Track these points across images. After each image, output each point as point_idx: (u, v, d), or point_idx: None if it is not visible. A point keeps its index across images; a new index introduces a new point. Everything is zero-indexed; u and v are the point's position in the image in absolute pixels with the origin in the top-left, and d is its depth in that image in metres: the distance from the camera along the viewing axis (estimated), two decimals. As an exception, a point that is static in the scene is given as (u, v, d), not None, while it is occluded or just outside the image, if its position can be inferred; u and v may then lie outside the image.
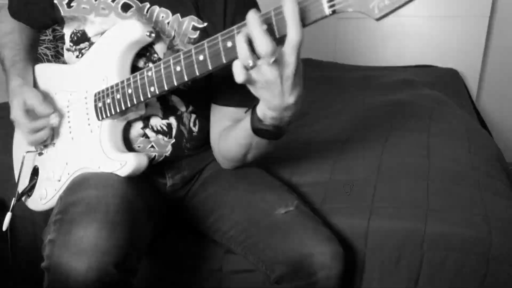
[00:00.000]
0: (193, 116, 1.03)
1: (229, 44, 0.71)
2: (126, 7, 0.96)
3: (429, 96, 1.78)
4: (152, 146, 0.99)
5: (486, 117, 2.37)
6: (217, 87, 1.00)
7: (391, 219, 1.02)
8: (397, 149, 1.31)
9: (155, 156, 0.99)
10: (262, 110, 0.80)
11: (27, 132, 0.98)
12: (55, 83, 1.03)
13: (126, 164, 0.89)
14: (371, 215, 1.02)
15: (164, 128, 0.99)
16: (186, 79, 0.79)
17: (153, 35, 0.91)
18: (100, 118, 0.93)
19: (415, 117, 1.55)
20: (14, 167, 1.14)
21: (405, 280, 0.98)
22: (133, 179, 0.90)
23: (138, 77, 0.86)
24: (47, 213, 0.97)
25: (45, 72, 1.07)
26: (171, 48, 0.96)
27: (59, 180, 0.98)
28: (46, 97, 1.00)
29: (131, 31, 0.91)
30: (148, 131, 0.98)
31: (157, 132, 0.98)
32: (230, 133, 0.95)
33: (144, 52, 0.95)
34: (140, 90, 0.86)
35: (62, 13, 1.00)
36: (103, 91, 0.92)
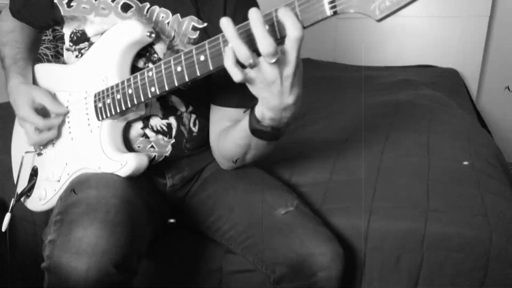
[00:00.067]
0: (193, 116, 1.03)
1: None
2: (126, 7, 0.96)
3: (429, 96, 1.78)
4: (152, 146, 0.99)
5: (486, 117, 2.37)
6: (217, 87, 1.00)
7: (391, 219, 1.02)
8: (397, 149, 1.31)
9: (155, 156, 0.99)
10: (260, 111, 0.80)
11: (34, 131, 0.98)
12: (55, 83, 1.03)
13: (127, 164, 0.89)
14: (371, 215, 1.02)
15: (164, 128, 0.99)
16: (187, 79, 0.79)
17: (153, 35, 0.91)
18: (100, 118, 0.93)
19: (415, 117, 1.55)
20: (13, 167, 1.14)
21: (405, 280, 0.98)
22: (133, 179, 0.90)
23: (139, 78, 0.86)
24: (47, 213, 0.97)
25: (44, 72, 1.07)
26: (171, 48, 0.96)
27: (59, 181, 0.98)
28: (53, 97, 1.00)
29: (131, 31, 0.91)
30: (148, 131, 0.98)
31: (157, 132, 0.98)
32: (229, 134, 0.95)
33: (144, 52, 0.95)
34: (140, 90, 0.86)
35: (62, 13, 0.99)
36: (103, 91, 0.92)
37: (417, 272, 0.97)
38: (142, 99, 0.87)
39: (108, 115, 0.91)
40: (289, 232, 0.90)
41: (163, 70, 0.82)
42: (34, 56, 1.14)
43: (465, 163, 1.21)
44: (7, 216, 1.00)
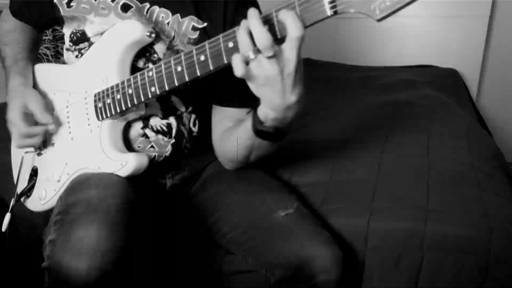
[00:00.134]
0: (193, 116, 1.03)
1: (231, 44, 0.71)
2: (126, 7, 0.96)
3: (429, 96, 1.77)
4: (152, 146, 0.99)
5: (486, 117, 2.37)
6: (219, 88, 1.00)
7: (391, 219, 1.02)
8: (397, 149, 1.31)
9: (155, 156, 0.99)
10: (263, 112, 0.80)
11: (19, 135, 0.98)
12: (55, 83, 1.03)
13: (127, 164, 0.89)
14: (371, 215, 1.02)
15: (164, 128, 0.99)
16: (187, 79, 0.79)
17: (153, 35, 0.91)
18: (100, 118, 0.93)
19: (415, 117, 1.55)
20: (13, 167, 1.14)
21: (405, 280, 0.98)
22: (133, 180, 0.90)
23: (139, 78, 0.86)
24: (47, 213, 0.97)
25: (44, 72, 1.07)
26: (171, 49, 0.96)
27: (59, 181, 0.98)
28: (47, 101, 1.00)
29: (131, 31, 0.91)
30: (148, 131, 0.98)
31: (157, 132, 0.98)
32: (231, 135, 0.95)
33: (144, 52, 0.95)
34: (140, 90, 0.86)
35: (62, 13, 0.99)
36: (103, 91, 0.92)
37: (417, 272, 0.97)
38: (142, 99, 0.87)
39: (108, 115, 0.91)
40: (289, 234, 0.90)
41: (163, 70, 0.82)
42: (35, 56, 1.14)
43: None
44: (7, 216, 1.00)
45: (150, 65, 0.95)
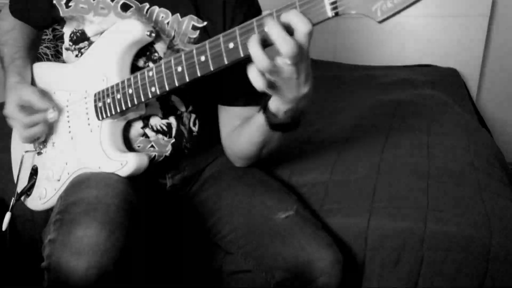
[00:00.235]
0: (193, 116, 1.03)
1: (231, 45, 0.71)
2: (125, 7, 0.96)
3: (429, 96, 1.77)
4: (152, 146, 0.99)
5: (486, 117, 2.37)
6: (223, 87, 1.00)
7: (391, 219, 1.02)
8: (397, 149, 1.31)
9: (155, 156, 0.99)
10: (276, 106, 0.80)
11: (21, 127, 0.98)
12: (54, 82, 1.03)
13: (127, 164, 0.89)
14: (371, 215, 1.02)
15: (164, 127, 0.99)
16: (187, 79, 0.79)
17: (153, 34, 0.91)
18: (100, 118, 0.93)
19: (415, 117, 1.55)
20: (13, 166, 1.14)
21: (405, 280, 0.98)
22: (133, 179, 0.90)
23: (139, 77, 0.86)
24: (47, 212, 0.97)
25: (44, 71, 1.07)
26: (171, 48, 0.96)
27: (59, 180, 0.98)
28: (45, 94, 1.00)
29: (132, 30, 0.90)
30: (148, 131, 0.98)
31: (157, 131, 0.98)
32: (241, 134, 0.95)
33: (144, 52, 0.95)
34: (141, 90, 0.86)
35: (61, 14, 0.99)
36: (103, 91, 0.91)
37: (417, 272, 0.97)
38: (142, 99, 0.87)
39: (108, 114, 0.91)
40: (289, 237, 0.90)
41: (163, 70, 0.82)
42: (34, 55, 1.14)
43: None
44: (7, 215, 1.00)
45: (151, 64, 0.94)
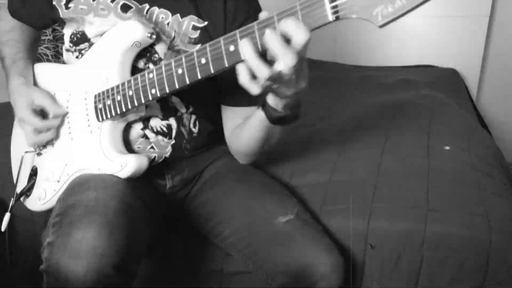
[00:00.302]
0: (193, 117, 1.03)
1: (232, 48, 0.71)
2: (125, 8, 0.96)
3: (429, 96, 1.77)
4: (152, 147, 0.99)
5: (486, 117, 2.37)
6: (226, 89, 1.00)
7: (391, 219, 1.02)
8: (397, 149, 1.31)
9: (155, 157, 0.99)
10: (273, 101, 0.81)
11: (32, 132, 0.98)
12: (55, 83, 1.03)
13: (127, 166, 0.89)
14: (371, 215, 1.02)
15: (164, 129, 0.99)
16: (188, 82, 0.79)
17: (154, 36, 0.91)
18: (100, 119, 0.93)
19: (415, 117, 1.55)
20: (13, 167, 1.14)
21: (405, 280, 0.98)
22: (132, 181, 0.90)
23: (139, 79, 0.86)
24: (47, 213, 0.97)
25: (44, 71, 1.07)
26: (172, 49, 0.96)
27: (58, 181, 0.98)
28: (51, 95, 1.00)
29: (132, 32, 0.90)
30: (148, 132, 0.98)
31: (157, 133, 0.98)
32: (243, 131, 0.96)
33: (145, 53, 0.95)
34: (141, 92, 0.86)
35: (61, 15, 0.99)
36: (103, 92, 0.91)
37: (417, 272, 0.97)
38: (143, 101, 0.86)
39: (108, 116, 0.91)
40: (290, 241, 0.90)
41: (163, 72, 0.82)
42: (34, 55, 1.14)
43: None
44: (7, 216, 1.00)
45: (151, 66, 0.95)
